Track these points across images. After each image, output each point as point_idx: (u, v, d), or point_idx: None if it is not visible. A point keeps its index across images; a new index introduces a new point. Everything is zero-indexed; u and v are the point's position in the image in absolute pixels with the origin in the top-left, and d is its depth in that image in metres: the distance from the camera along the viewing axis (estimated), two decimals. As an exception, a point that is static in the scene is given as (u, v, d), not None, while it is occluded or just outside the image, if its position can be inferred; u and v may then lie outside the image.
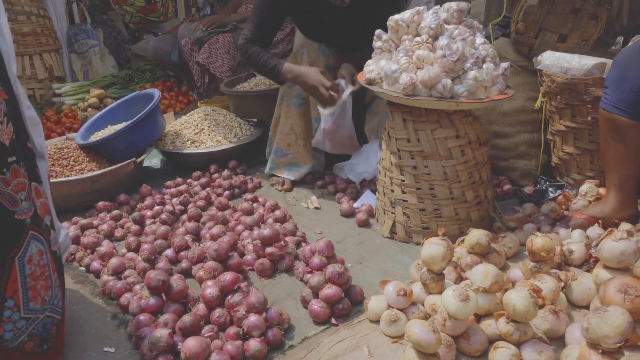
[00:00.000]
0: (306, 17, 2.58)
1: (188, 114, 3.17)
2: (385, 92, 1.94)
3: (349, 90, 2.33)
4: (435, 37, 1.94)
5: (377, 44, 2.10)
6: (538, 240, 1.63)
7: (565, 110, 2.27)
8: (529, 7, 2.39)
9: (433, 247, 1.54)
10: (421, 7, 2.00)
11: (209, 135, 2.93)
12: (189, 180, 2.73)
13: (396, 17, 2.01)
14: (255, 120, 3.19)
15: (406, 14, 1.99)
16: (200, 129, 2.97)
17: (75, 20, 5.13)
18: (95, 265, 1.95)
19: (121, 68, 5.35)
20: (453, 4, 2.03)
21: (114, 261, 1.87)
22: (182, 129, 2.99)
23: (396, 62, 1.93)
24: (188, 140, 2.90)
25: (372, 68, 2.05)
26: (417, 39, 1.94)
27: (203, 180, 2.69)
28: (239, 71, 3.83)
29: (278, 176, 2.70)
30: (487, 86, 1.90)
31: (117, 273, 1.86)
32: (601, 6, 2.31)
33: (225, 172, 2.72)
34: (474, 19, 2.21)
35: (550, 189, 2.34)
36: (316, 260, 1.80)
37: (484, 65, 1.91)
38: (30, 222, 1.27)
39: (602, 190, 2.16)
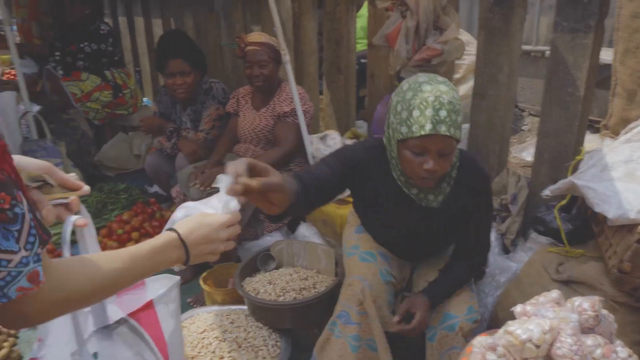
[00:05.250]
0: (373, 203, 2.10)
1: (200, 320, 2.58)
2: None
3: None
4: (576, 368, 1.47)
5: (490, 357, 1.60)
6: None
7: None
8: (639, 248, 1.97)
9: None
10: (550, 321, 1.52)
11: (231, 368, 2.35)
12: None
13: (520, 333, 1.51)
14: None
15: (535, 333, 1.50)
16: (219, 358, 2.38)
17: (32, 134, 4.35)
18: None
19: (87, 178, 4.61)
20: (586, 304, 1.57)
21: None
22: (197, 358, 2.39)
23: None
24: (207, 379, 2.31)
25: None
26: (557, 378, 1.46)
27: None
28: (245, 232, 3.26)
29: None
30: None
31: None
32: None
33: None
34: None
35: None
36: None
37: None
38: None
39: None
